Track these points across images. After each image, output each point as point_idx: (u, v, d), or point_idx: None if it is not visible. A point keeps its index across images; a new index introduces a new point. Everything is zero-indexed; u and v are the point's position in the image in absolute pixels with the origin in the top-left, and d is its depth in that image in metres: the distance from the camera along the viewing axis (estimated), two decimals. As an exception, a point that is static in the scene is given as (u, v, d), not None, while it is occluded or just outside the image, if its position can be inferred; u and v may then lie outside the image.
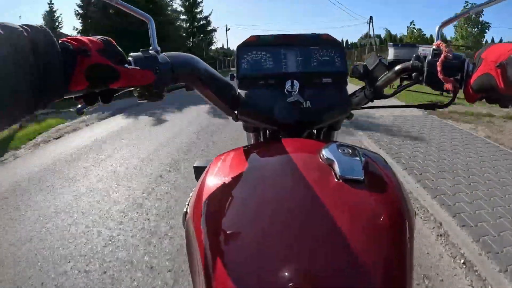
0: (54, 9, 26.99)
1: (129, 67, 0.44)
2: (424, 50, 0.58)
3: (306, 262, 0.32)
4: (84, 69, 0.39)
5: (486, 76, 0.46)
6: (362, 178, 0.40)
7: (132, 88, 0.49)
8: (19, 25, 0.32)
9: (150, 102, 0.50)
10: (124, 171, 3.12)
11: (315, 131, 0.69)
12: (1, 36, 0.29)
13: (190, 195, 0.51)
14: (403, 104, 0.74)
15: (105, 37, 0.44)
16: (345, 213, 0.36)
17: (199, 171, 0.67)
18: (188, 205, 0.49)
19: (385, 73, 0.65)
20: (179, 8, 26.62)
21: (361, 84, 0.70)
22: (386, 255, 0.35)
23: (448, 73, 0.51)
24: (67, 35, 0.52)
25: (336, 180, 0.40)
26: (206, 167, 0.53)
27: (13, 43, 0.30)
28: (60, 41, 0.38)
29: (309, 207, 0.37)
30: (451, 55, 0.51)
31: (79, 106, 0.44)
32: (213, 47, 34.03)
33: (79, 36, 0.41)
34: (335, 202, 0.37)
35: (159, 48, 0.51)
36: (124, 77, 0.42)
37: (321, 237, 0.34)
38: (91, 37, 0.42)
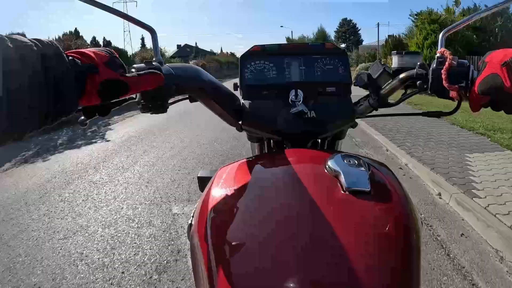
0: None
1: (136, 73, 0.44)
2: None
3: (312, 274, 0.31)
4: (96, 86, 0.39)
5: (492, 76, 0.46)
6: (368, 189, 0.39)
7: (135, 100, 0.49)
8: (29, 39, 0.33)
9: (154, 114, 0.50)
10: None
11: (319, 140, 0.69)
12: (11, 50, 0.30)
13: (195, 207, 0.50)
14: (408, 112, 0.73)
15: (107, 48, 0.44)
16: (352, 226, 0.36)
17: (203, 181, 0.67)
18: (193, 217, 0.49)
19: (390, 81, 0.64)
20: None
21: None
22: (394, 266, 0.34)
23: (453, 80, 0.50)
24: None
25: (342, 192, 0.39)
26: (210, 177, 0.53)
27: (23, 57, 0.31)
28: (65, 54, 0.38)
29: (315, 220, 0.37)
30: (455, 62, 0.51)
31: (82, 117, 0.45)
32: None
33: (83, 50, 0.41)
34: (342, 214, 0.37)
35: (162, 59, 0.51)
36: (134, 86, 0.43)
37: (328, 250, 0.34)
38: (94, 50, 0.42)
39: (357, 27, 51.19)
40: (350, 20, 51.44)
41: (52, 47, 0.34)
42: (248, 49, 0.66)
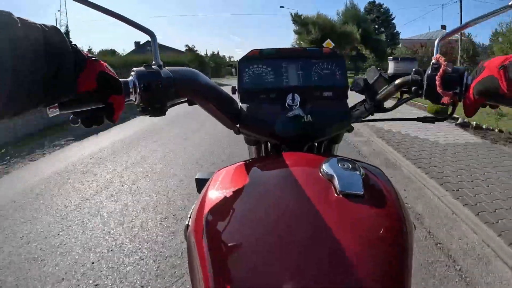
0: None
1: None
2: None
3: (306, 276, 0.32)
4: (95, 73, 0.41)
5: (489, 78, 0.46)
6: (361, 193, 0.40)
7: (134, 102, 0.50)
8: (36, 23, 0.34)
9: (152, 117, 0.51)
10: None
11: (316, 144, 0.70)
12: (20, 29, 0.31)
13: (192, 208, 0.51)
14: (403, 117, 0.74)
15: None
16: (344, 228, 0.36)
17: (200, 183, 0.68)
18: (190, 218, 0.49)
19: (385, 86, 0.65)
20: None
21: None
22: (386, 269, 0.35)
23: (447, 86, 0.51)
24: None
25: (336, 195, 0.40)
26: (207, 179, 0.53)
27: (29, 36, 0.32)
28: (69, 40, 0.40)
29: (309, 222, 0.37)
30: (450, 69, 0.52)
31: (72, 116, 0.46)
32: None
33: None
34: (334, 217, 0.38)
35: (161, 63, 0.52)
36: (123, 96, 0.45)
37: (321, 252, 0.34)
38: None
39: (390, 14, 35.08)
40: (380, 5, 35.14)
41: (56, 31, 0.36)
42: (246, 53, 0.67)
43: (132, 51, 29.13)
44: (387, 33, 31.72)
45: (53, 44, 0.35)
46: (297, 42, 25.34)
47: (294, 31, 24.48)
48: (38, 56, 0.33)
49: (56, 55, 0.35)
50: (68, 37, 0.38)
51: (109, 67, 0.45)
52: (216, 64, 33.50)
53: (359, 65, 29.99)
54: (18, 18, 0.32)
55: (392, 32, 33.62)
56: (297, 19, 23.64)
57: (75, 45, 0.40)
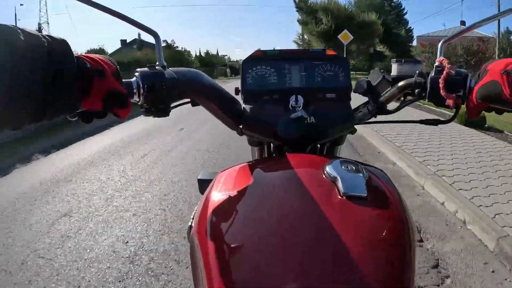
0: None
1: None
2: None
3: (310, 278, 0.32)
4: (102, 92, 0.40)
5: (492, 83, 0.46)
6: (365, 195, 0.40)
7: (138, 103, 0.50)
8: (40, 34, 0.33)
9: (156, 117, 0.51)
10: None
11: (318, 146, 0.70)
12: (21, 42, 0.30)
13: (195, 209, 0.51)
14: (406, 119, 0.74)
15: (112, 58, 0.45)
16: (348, 230, 0.36)
17: (203, 184, 0.68)
18: (193, 219, 0.49)
19: (389, 89, 0.65)
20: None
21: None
22: (389, 271, 0.35)
23: (450, 89, 0.51)
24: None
25: (339, 197, 0.40)
26: (210, 179, 0.54)
27: (31, 50, 0.31)
28: (76, 55, 0.38)
29: (312, 224, 0.37)
30: (453, 72, 0.52)
31: None
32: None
33: (93, 55, 0.42)
34: (338, 219, 0.38)
35: (165, 63, 0.52)
36: (129, 107, 0.45)
37: (325, 254, 0.34)
38: (102, 57, 0.43)
39: (402, 8, 31.31)
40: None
41: (61, 44, 0.35)
42: (250, 54, 0.67)
43: (119, 49, 27.81)
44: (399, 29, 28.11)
45: (58, 58, 0.34)
46: (301, 36, 19.92)
47: (298, 21, 19.80)
48: (40, 71, 0.32)
49: (57, 68, 0.34)
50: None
51: (117, 66, 0.44)
52: (206, 64, 31.08)
53: (376, 65, 21.10)
54: (21, 30, 0.31)
55: (405, 29, 30.05)
56: (302, 6, 19.18)
57: (82, 59, 0.39)
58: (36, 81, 0.32)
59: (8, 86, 0.29)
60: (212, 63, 34.56)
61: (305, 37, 19.30)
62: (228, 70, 34.71)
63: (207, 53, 38.56)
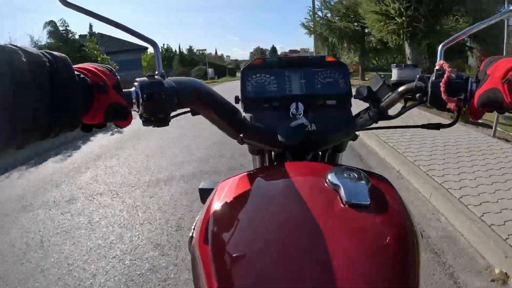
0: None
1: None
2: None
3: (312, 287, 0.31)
4: (103, 107, 0.40)
5: (492, 90, 0.46)
6: (368, 203, 0.39)
7: (138, 112, 0.50)
8: (40, 52, 0.33)
9: (156, 127, 0.51)
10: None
11: (320, 153, 0.69)
12: (23, 62, 0.30)
13: (196, 219, 0.50)
14: (408, 124, 0.73)
15: (109, 66, 0.45)
16: (351, 240, 0.36)
17: (204, 193, 0.67)
18: (194, 229, 0.49)
19: (389, 94, 0.65)
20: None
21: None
22: (394, 280, 0.34)
23: (451, 93, 0.51)
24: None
25: (342, 205, 0.39)
26: (211, 189, 0.53)
27: (32, 69, 0.31)
28: (76, 69, 0.38)
29: (315, 234, 0.37)
30: (454, 75, 0.51)
31: None
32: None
33: (93, 66, 0.42)
34: (341, 228, 0.37)
35: (164, 72, 0.52)
36: (130, 118, 0.45)
37: (329, 264, 0.34)
38: (102, 68, 0.43)
39: None
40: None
41: (62, 62, 0.35)
42: (249, 62, 0.67)
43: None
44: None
45: (59, 76, 0.34)
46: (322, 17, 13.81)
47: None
48: (42, 90, 0.32)
49: (60, 87, 0.34)
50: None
51: (118, 77, 0.44)
52: (189, 62, 27.03)
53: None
54: (22, 50, 0.31)
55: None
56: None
57: (83, 76, 0.39)
58: (39, 103, 0.32)
59: (12, 108, 0.29)
60: (195, 61, 30.30)
61: (328, 15, 14.12)
62: (210, 70, 28.42)
63: (189, 49, 34.53)
